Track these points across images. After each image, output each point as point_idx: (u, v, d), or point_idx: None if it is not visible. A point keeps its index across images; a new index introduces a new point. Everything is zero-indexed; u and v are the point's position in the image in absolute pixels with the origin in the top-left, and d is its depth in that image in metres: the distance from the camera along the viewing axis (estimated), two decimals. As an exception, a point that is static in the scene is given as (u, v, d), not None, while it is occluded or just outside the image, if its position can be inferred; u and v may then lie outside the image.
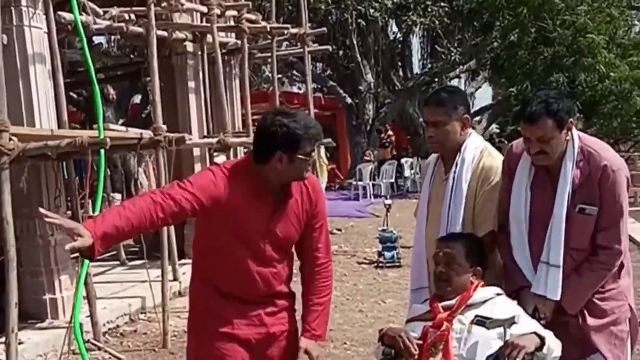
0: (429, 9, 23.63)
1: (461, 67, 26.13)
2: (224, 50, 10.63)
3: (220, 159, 9.61)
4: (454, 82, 26.94)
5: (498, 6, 19.94)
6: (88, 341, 6.75)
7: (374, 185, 21.06)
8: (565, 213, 3.44)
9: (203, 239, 3.46)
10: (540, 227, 3.51)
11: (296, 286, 3.56)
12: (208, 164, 9.83)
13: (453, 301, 3.42)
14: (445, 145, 3.75)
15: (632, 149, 23.14)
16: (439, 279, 3.51)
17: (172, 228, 8.49)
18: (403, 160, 23.56)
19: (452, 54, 24.83)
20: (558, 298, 3.46)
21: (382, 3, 22.66)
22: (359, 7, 23.16)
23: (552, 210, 3.47)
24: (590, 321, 3.50)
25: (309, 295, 3.57)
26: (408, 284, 4.03)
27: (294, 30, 12.33)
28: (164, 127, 7.85)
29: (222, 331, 3.39)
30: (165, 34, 9.55)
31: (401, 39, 28.14)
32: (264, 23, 11.28)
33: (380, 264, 10.66)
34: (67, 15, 7.09)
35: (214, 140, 9.52)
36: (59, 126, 7.03)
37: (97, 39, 11.91)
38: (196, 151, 10.40)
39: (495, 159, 3.73)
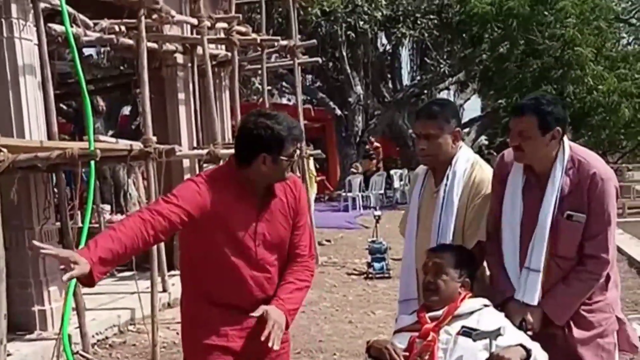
0: (418, 22, 23.74)
1: (450, 79, 26.21)
2: (214, 62, 10.65)
3: (210, 170, 9.59)
4: (443, 94, 27.04)
5: (487, 18, 20.06)
6: (77, 353, 6.73)
7: (363, 196, 21.08)
8: (550, 218, 3.45)
9: (192, 249, 3.44)
10: (528, 235, 3.51)
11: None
12: (198, 176, 9.81)
13: (440, 312, 3.42)
14: (437, 158, 3.76)
15: (620, 161, 23.30)
16: (427, 288, 3.52)
17: (161, 239, 8.48)
18: (392, 172, 23.59)
19: (441, 66, 24.93)
20: (535, 303, 3.46)
21: (371, 15, 22.73)
22: (348, 20, 23.22)
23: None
24: (577, 333, 3.50)
25: (286, 276, 3.48)
26: (397, 295, 4.04)
27: (284, 43, 12.36)
28: (154, 138, 7.86)
29: (216, 344, 3.38)
30: (155, 45, 9.57)
31: (390, 51, 28.23)
32: (254, 35, 11.31)
33: (370, 275, 10.67)
34: (58, 27, 7.09)
35: (204, 151, 9.52)
36: (49, 137, 7.03)
37: (87, 51, 11.96)
38: (186, 162, 10.41)
39: (486, 172, 3.75)
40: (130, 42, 8.50)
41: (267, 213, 3.38)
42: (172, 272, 9.05)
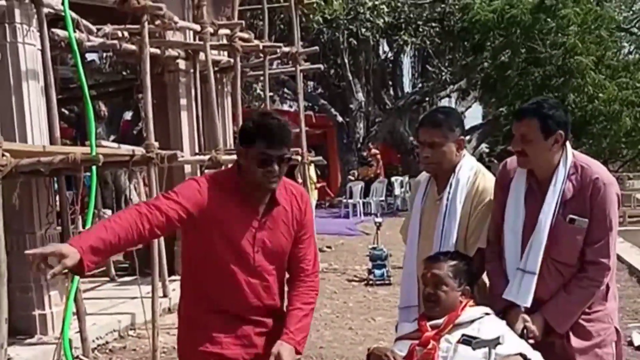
0: (420, 29, 23.79)
1: (452, 86, 26.25)
2: (216, 68, 10.68)
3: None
4: (445, 102, 27.07)
5: (489, 26, 20.08)
6: (77, 357, 6.74)
7: (364, 203, 21.07)
8: (550, 221, 3.45)
9: (191, 251, 3.43)
10: (528, 240, 3.51)
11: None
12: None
13: (441, 320, 3.42)
14: (441, 166, 3.77)
15: (621, 169, 23.31)
16: (427, 300, 3.52)
17: (162, 244, 8.49)
18: (393, 179, 23.58)
19: (443, 73, 24.97)
20: (528, 305, 3.46)
21: (373, 22, 22.77)
22: (350, 27, 23.27)
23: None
24: (576, 342, 3.49)
25: (292, 300, 3.49)
26: (397, 302, 4.05)
27: (286, 49, 12.39)
28: (156, 144, 7.88)
29: (210, 351, 3.36)
30: (158, 51, 9.59)
31: (392, 58, 28.28)
32: (256, 42, 11.33)
33: (371, 282, 10.67)
34: (61, 32, 7.12)
35: (206, 157, 9.53)
36: (51, 142, 7.04)
37: (89, 56, 11.96)
38: (187, 168, 10.42)
39: (489, 181, 3.76)
40: (133, 47, 8.53)
41: (269, 221, 3.35)
42: (173, 277, 9.06)
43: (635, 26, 26.93)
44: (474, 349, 3.18)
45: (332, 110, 25.98)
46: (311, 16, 19.77)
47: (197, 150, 10.48)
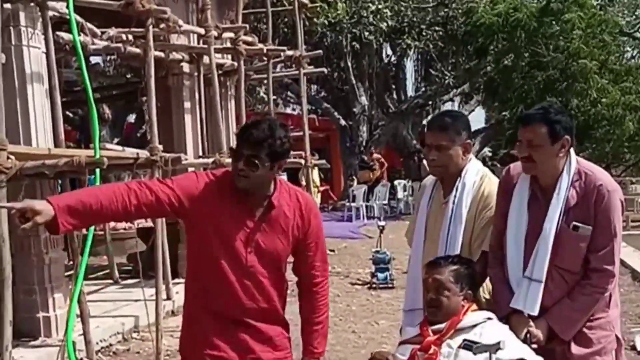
0: (424, 33, 23.83)
1: (455, 90, 26.26)
2: (220, 72, 10.69)
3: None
4: (448, 105, 27.08)
5: (493, 29, 20.07)
6: (81, 359, 6.75)
7: (367, 206, 21.08)
8: (555, 228, 3.44)
9: (191, 250, 3.44)
10: (532, 247, 3.50)
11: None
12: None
13: (443, 325, 3.41)
14: (447, 169, 3.77)
15: (624, 174, 23.29)
16: (430, 305, 3.52)
17: (165, 247, 8.51)
18: (396, 182, 23.57)
19: (446, 77, 24.99)
20: (536, 313, 3.44)
21: (376, 26, 22.79)
22: (353, 30, 23.30)
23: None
24: (576, 350, 3.48)
25: (308, 315, 3.56)
26: (401, 305, 4.05)
27: (290, 53, 12.43)
28: (160, 147, 7.89)
29: (208, 352, 3.36)
30: (162, 54, 9.62)
31: (395, 62, 28.33)
32: (260, 45, 11.36)
33: (374, 285, 10.68)
34: (66, 35, 7.14)
35: (210, 160, 9.56)
36: (56, 145, 7.06)
37: (94, 59, 12.01)
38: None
39: (494, 185, 3.75)
40: (138, 50, 8.55)
41: (267, 224, 3.34)
42: (177, 280, 9.08)
43: (638, 31, 26.93)
44: (474, 353, 3.15)
45: (336, 113, 26.00)
46: (315, 20, 19.82)
47: (200, 153, 10.51)
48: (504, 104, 21.24)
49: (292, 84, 21.75)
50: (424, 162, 22.80)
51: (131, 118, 17.62)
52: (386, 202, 22.32)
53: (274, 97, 15.91)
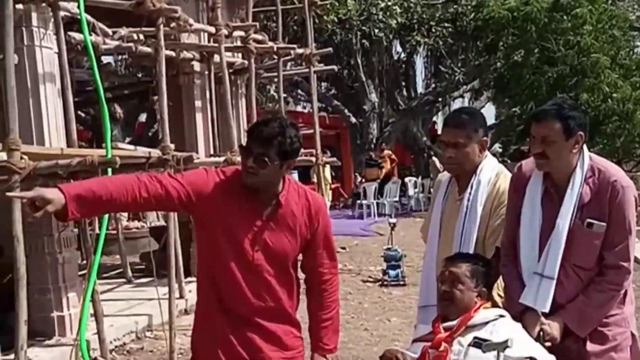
0: (433, 30, 23.81)
1: (465, 86, 26.24)
2: (231, 70, 10.72)
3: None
4: (458, 102, 27.08)
5: (503, 24, 20.00)
6: (95, 358, 6.76)
7: (378, 204, 21.05)
8: (568, 225, 3.42)
9: (200, 247, 3.46)
10: (545, 244, 3.48)
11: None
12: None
13: (454, 322, 3.40)
14: (464, 166, 3.77)
15: (635, 169, 23.21)
16: (443, 298, 3.51)
17: (178, 246, 8.53)
18: (407, 180, 23.52)
19: (456, 74, 24.98)
20: (547, 310, 3.43)
21: (386, 23, 22.79)
22: (363, 28, 23.30)
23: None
24: (591, 347, 3.47)
25: (318, 312, 3.57)
26: (412, 303, 4.07)
27: (300, 51, 12.42)
28: (172, 146, 7.92)
29: (216, 350, 3.37)
30: (173, 53, 9.64)
31: (405, 59, 28.32)
32: (270, 43, 11.37)
33: (385, 283, 10.68)
34: (77, 36, 7.17)
35: (221, 159, 9.57)
36: (68, 145, 7.09)
37: (105, 59, 12.04)
38: (202, 170, 10.44)
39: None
40: (149, 50, 8.58)
41: (275, 222, 3.34)
42: (189, 279, 9.10)
43: (649, 25, 26.79)
44: (484, 351, 3.14)
45: (346, 111, 26.01)
46: (324, 17, 19.82)
47: (212, 152, 10.52)
48: (514, 100, 21.17)
49: (303, 82, 21.78)
50: (433, 159, 22.93)
51: (143, 117, 17.64)
52: (397, 199, 22.28)
53: (285, 95, 15.93)
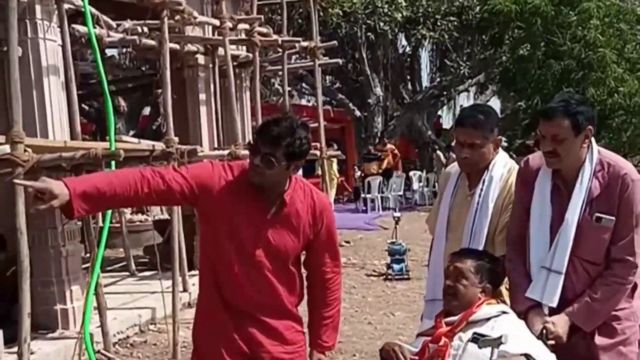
0: (438, 23, 23.73)
1: (470, 80, 26.19)
2: (235, 63, 10.68)
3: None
4: (463, 96, 27.06)
5: (510, 18, 19.93)
6: (98, 351, 6.78)
7: (382, 197, 21.03)
8: (577, 219, 3.41)
9: (203, 241, 3.46)
10: (554, 239, 3.47)
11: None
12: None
13: (456, 317, 3.39)
14: (479, 165, 3.75)
15: (641, 163, 23.13)
16: (446, 293, 3.50)
17: (182, 239, 8.53)
18: (411, 174, 23.49)
19: (461, 67, 24.91)
20: (555, 305, 3.42)
21: (391, 17, 22.75)
22: (368, 21, 23.27)
23: None
24: (599, 340, 3.45)
25: (317, 309, 3.58)
26: (417, 297, 4.06)
27: (305, 44, 12.40)
28: (176, 139, 7.90)
29: (220, 344, 3.37)
30: (177, 46, 9.61)
31: (410, 52, 28.26)
32: (275, 36, 11.34)
33: (389, 277, 10.67)
34: (81, 28, 7.15)
35: (225, 152, 9.55)
36: (72, 137, 7.09)
37: (109, 51, 12.02)
38: (206, 163, 10.43)
39: None
40: (153, 43, 8.54)
41: (278, 220, 3.33)
42: (193, 272, 9.09)
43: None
44: (480, 347, 3.13)
45: (350, 104, 25.98)
46: (329, 10, 19.79)
47: (216, 145, 10.50)
48: (520, 94, 21.12)
49: (307, 75, 21.75)
50: (437, 152, 22.82)
51: (147, 110, 17.64)
52: (401, 193, 22.25)
53: (289, 88, 15.94)
